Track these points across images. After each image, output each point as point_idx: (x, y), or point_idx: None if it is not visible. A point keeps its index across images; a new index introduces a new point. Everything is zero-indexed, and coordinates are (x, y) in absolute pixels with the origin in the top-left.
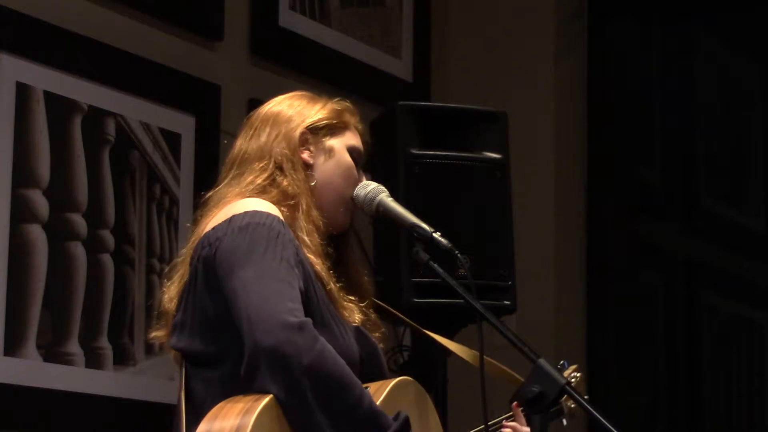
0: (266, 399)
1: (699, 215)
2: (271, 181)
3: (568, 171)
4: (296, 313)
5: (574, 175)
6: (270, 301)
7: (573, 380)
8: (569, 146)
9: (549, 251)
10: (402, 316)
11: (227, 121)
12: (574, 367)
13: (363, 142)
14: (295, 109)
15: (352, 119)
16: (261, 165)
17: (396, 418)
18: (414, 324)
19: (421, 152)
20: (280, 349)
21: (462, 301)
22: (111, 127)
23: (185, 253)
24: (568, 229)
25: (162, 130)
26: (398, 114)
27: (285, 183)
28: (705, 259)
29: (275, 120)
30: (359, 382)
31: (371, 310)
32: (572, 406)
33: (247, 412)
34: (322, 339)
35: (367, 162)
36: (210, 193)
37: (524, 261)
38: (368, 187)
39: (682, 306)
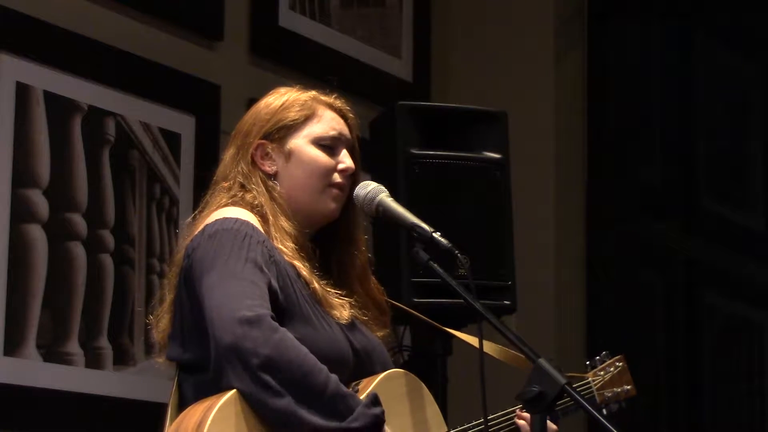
0: (228, 395)
1: (699, 215)
2: (240, 198)
3: (568, 171)
4: (254, 309)
5: (574, 176)
6: (228, 300)
7: (613, 370)
8: (569, 146)
9: (549, 251)
10: (412, 311)
11: (227, 121)
12: (617, 357)
13: (342, 118)
14: (254, 118)
15: (318, 105)
16: (226, 185)
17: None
18: (426, 318)
19: (421, 152)
20: (238, 344)
21: (462, 301)
22: (111, 127)
23: (173, 269)
24: (568, 229)
25: (162, 130)
26: (398, 114)
27: (249, 197)
28: (705, 259)
29: (237, 135)
30: (324, 368)
31: (377, 307)
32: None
33: (209, 408)
34: (282, 330)
35: (367, 162)
36: (196, 213)
37: (524, 261)
38: (368, 187)
39: (682, 306)
